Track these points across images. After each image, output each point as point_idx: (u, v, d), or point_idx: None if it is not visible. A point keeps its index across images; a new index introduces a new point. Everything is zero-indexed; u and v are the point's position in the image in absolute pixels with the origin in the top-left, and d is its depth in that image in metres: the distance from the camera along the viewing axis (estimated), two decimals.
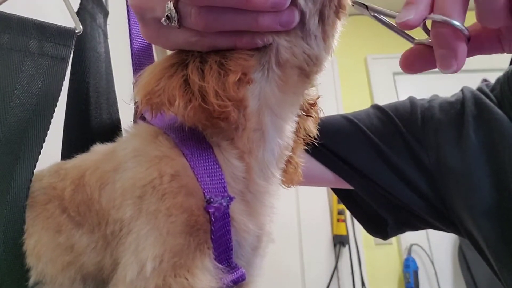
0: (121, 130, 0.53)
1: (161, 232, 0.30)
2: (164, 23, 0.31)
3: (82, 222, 0.34)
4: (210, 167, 0.33)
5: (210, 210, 0.31)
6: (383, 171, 0.57)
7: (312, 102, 0.42)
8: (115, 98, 0.54)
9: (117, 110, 0.54)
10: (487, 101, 0.55)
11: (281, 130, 0.36)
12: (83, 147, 0.40)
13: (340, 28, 0.36)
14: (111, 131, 0.50)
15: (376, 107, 0.63)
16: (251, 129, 0.34)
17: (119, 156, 0.35)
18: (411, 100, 0.62)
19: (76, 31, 0.42)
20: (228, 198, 0.32)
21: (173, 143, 0.34)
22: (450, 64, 0.26)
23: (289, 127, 0.38)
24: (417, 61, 0.30)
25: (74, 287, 0.33)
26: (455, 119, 0.56)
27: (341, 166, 0.59)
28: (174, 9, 0.30)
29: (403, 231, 0.62)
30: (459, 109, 0.56)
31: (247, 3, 0.29)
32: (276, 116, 0.35)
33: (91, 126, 0.48)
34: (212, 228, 0.31)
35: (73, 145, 0.46)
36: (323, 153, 0.59)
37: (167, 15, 0.31)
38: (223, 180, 0.33)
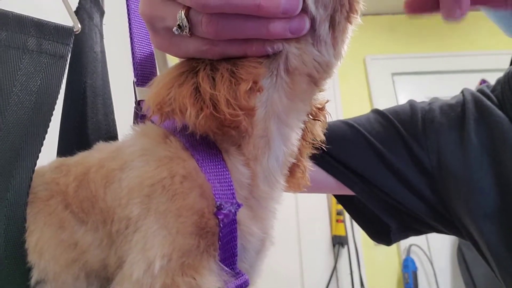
0: (116, 131, 0.53)
1: (170, 232, 0.30)
2: (176, 32, 0.31)
3: (86, 219, 0.33)
4: (220, 173, 0.33)
5: (219, 217, 0.31)
6: (384, 175, 0.57)
7: (320, 106, 0.41)
8: (111, 98, 0.54)
9: (112, 110, 0.54)
10: (488, 103, 0.54)
11: (287, 138, 0.36)
12: (79, 147, 0.40)
13: (350, 33, 0.35)
14: (107, 131, 0.50)
15: (376, 111, 0.63)
16: (257, 136, 0.34)
17: (125, 154, 0.34)
18: (411, 104, 0.62)
19: (75, 30, 0.42)
20: (236, 205, 0.32)
21: (183, 145, 0.34)
22: (454, 13, 0.27)
23: (295, 135, 0.37)
24: (420, 3, 0.31)
25: (77, 284, 0.33)
26: (456, 122, 0.56)
27: (342, 172, 0.59)
28: (185, 18, 0.30)
29: (406, 236, 0.62)
30: (459, 112, 0.56)
31: (258, 10, 0.29)
32: (283, 124, 0.35)
33: (87, 126, 0.47)
34: (220, 234, 0.31)
35: (69, 144, 0.46)
36: (325, 159, 0.59)
37: (178, 24, 0.30)
38: (232, 187, 0.33)
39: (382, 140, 0.58)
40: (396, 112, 0.61)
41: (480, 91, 0.58)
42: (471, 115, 0.54)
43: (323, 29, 0.33)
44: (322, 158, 0.58)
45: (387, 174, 0.57)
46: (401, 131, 0.58)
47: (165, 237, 0.30)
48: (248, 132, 0.33)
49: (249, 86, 0.30)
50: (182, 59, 0.34)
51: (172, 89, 0.31)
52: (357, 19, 0.34)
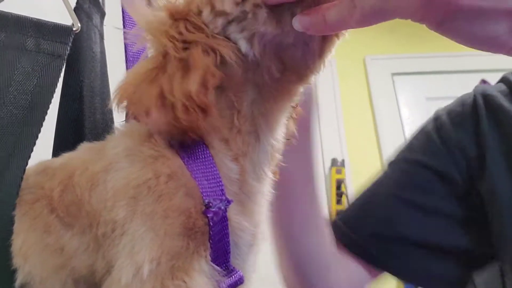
0: (114, 130, 0.53)
1: (157, 234, 0.29)
2: None
3: (72, 223, 0.33)
4: (208, 170, 0.32)
5: (209, 215, 0.31)
6: (420, 222, 0.55)
7: (294, 104, 0.42)
8: (110, 99, 0.54)
9: (111, 110, 0.54)
10: (504, 105, 0.53)
11: (274, 133, 0.37)
12: (75, 146, 0.39)
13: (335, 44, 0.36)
14: (104, 130, 0.50)
15: (390, 163, 0.62)
16: (246, 132, 0.34)
17: (110, 155, 0.34)
18: (420, 129, 0.61)
19: (74, 29, 0.42)
20: (226, 202, 0.32)
21: (168, 143, 0.33)
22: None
23: (280, 131, 0.38)
24: None
25: None
26: (472, 131, 0.55)
27: (379, 251, 0.56)
28: None
29: None
30: (473, 119, 0.55)
31: None
32: (269, 120, 0.36)
33: (84, 125, 0.48)
34: (211, 232, 0.31)
35: (65, 144, 0.45)
36: (360, 246, 0.57)
37: None
38: (221, 183, 0.32)
39: (409, 186, 0.57)
40: (410, 147, 0.60)
41: (505, 79, 0.57)
42: (485, 119, 0.54)
43: (315, 43, 0.33)
44: (357, 246, 0.56)
45: (422, 219, 0.55)
46: (422, 161, 0.57)
47: (152, 239, 0.29)
48: (236, 128, 0.34)
49: (199, 82, 0.29)
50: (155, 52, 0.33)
51: (140, 87, 0.31)
52: (345, 34, 0.35)
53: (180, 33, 0.31)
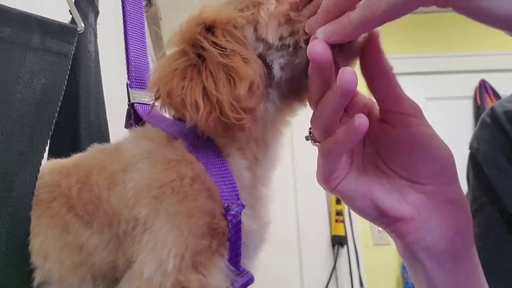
0: (108, 130, 0.53)
1: (182, 232, 0.31)
2: None
3: (91, 221, 0.33)
4: (225, 176, 0.34)
5: (228, 218, 0.33)
6: None
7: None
8: (103, 99, 0.54)
9: (105, 110, 0.54)
10: None
11: (279, 142, 0.40)
12: (71, 145, 0.40)
13: None
14: (98, 130, 0.51)
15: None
16: (260, 140, 0.37)
17: (128, 156, 0.35)
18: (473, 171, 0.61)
19: (78, 29, 0.42)
20: (241, 206, 0.33)
21: (188, 148, 0.35)
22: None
23: (281, 141, 0.41)
24: None
25: (83, 286, 0.33)
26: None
27: None
28: None
29: None
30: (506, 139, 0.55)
31: None
32: (276, 131, 0.39)
33: (80, 125, 0.48)
34: (229, 234, 0.33)
35: (61, 142, 0.46)
36: None
37: None
38: (236, 188, 0.34)
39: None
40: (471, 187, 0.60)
41: None
42: None
43: None
44: None
45: None
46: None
47: (177, 237, 0.30)
48: (252, 136, 0.36)
49: (247, 88, 0.31)
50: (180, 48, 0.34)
51: (185, 82, 0.32)
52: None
53: (220, 40, 0.33)
